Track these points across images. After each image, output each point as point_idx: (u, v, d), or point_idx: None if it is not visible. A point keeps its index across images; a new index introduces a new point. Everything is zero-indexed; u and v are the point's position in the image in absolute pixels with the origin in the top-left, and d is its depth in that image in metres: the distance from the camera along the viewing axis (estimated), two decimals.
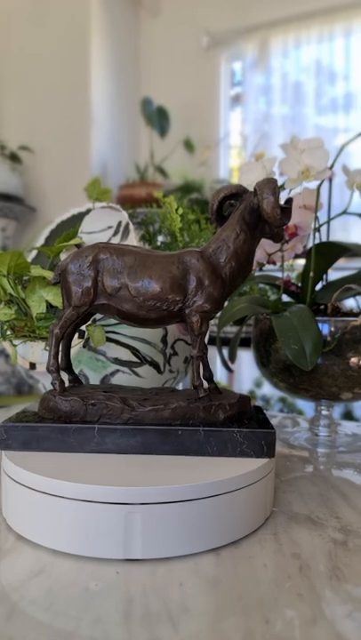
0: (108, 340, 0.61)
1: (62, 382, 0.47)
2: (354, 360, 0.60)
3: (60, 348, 0.49)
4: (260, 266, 0.69)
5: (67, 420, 0.44)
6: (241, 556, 0.37)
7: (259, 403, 1.98)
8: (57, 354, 0.47)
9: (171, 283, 0.44)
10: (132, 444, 0.43)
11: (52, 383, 0.46)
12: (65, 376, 0.50)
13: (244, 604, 0.31)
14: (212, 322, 0.88)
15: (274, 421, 0.79)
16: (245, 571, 0.35)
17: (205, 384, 0.48)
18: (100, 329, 0.59)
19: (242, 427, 0.43)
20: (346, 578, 0.35)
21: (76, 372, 0.63)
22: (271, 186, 0.43)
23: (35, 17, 2.35)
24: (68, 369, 0.50)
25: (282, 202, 0.46)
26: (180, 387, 0.80)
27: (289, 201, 0.46)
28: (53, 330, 0.46)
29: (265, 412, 0.50)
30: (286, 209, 0.45)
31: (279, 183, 0.63)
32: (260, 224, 0.46)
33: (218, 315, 0.77)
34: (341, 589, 0.33)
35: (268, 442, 0.42)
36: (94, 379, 0.62)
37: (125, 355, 0.62)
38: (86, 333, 0.59)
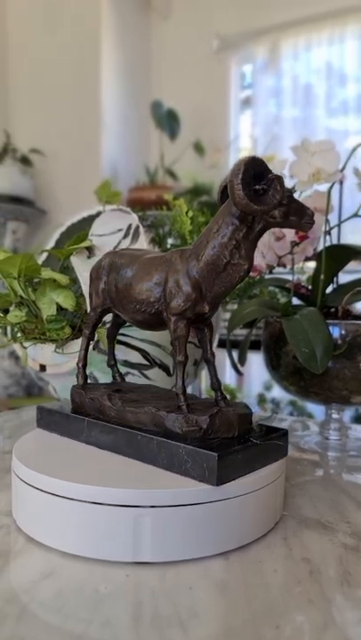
0: (118, 342, 0.61)
1: (84, 377, 0.51)
2: None
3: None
4: (271, 268, 0.69)
5: (76, 411, 0.49)
6: (250, 560, 0.37)
7: (268, 406, 1.97)
8: (85, 350, 0.51)
9: (147, 284, 0.43)
10: (107, 441, 0.44)
11: (76, 376, 0.51)
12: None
13: (254, 609, 0.31)
14: (222, 324, 0.88)
15: (284, 424, 0.78)
16: (255, 575, 0.35)
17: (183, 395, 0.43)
18: None
19: (191, 443, 0.39)
20: (357, 583, 0.34)
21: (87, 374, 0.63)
22: (237, 166, 0.37)
23: (46, 21, 2.37)
24: (114, 366, 0.54)
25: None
26: (189, 389, 0.80)
27: (271, 181, 0.38)
28: (83, 329, 0.51)
29: (272, 435, 0.43)
30: (268, 191, 0.38)
31: (289, 185, 0.63)
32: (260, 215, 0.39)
33: (228, 317, 0.77)
34: (352, 595, 0.33)
35: (210, 466, 0.37)
36: (104, 381, 0.63)
37: (135, 357, 0.62)
38: (96, 336, 0.59)
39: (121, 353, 0.62)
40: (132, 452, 0.42)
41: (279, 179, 0.38)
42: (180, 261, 0.42)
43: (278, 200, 0.38)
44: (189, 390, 0.75)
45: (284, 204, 0.39)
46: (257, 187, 0.37)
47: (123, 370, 0.63)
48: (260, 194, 0.37)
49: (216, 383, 0.44)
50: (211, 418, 0.40)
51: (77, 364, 0.51)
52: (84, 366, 0.51)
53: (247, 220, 0.39)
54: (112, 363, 0.54)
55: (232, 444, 0.40)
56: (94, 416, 0.47)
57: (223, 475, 0.37)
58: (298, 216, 0.40)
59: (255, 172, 0.37)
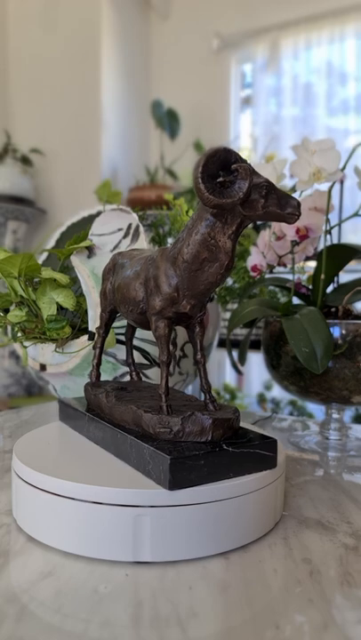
0: (119, 342, 0.61)
1: (97, 375, 0.52)
2: None
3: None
4: (271, 268, 0.69)
5: (86, 407, 0.50)
6: (250, 560, 0.37)
7: (268, 405, 1.97)
8: (100, 349, 0.52)
9: (133, 284, 0.43)
10: (99, 436, 0.45)
11: (88, 374, 0.53)
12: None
13: (254, 609, 0.31)
14: (222, 324, 0.88)
15: (284, 424, 0.78)
16: (255, 575, 0.35)
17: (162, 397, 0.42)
18: (110, 331, 0.59)
19: (158, 445, 0.38)
20: (357, 583, 0.34)
21: (86, 373, 0.63)
22: (199, 160, 0.35)
23: (46, 21, 2.37)
24: (132, 364, 0.55)
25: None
26: (189, 389, 0.80)
27: (235, 170, 0.35)
28: (97, 329, 0.52)
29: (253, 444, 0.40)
30: (234, 182, 0.35)
31: (288, 185, 0.63)
32: (235, 209, 0.37)
33: (228, 317, 0.77)
34: (352, 595, 0.33)
35: (164, 469, 0.36)
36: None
37: (135, 357, 0.62)
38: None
39: (120, 352, 0.62)
40: (114, 450, 0.43)
41: (245, 168, 0.35)
42: (161, 260, 0.41)
43: (245, 191, 0.35)
44: (189, 391, 0.75)
45: (263, 194, 0.36)
46: (220, 179, 0.35)
47: (123, 369, 0.63)
48: (226, 186, 0.36)
49: (205, 385, 0.43)
50: (183, 420, 0.39)
51: (92, 361, 0.53)
52: (98, 364, 0.52)
53: (222, 215, 0.37)
54: (130, 361, 0.55)
55: (198, 448, 0.38)
56: (95, 412, 0.48)
57: (178, 479, 0.36)
58: (279, 207, 0.37)
59: (223, 163, 0.36)
